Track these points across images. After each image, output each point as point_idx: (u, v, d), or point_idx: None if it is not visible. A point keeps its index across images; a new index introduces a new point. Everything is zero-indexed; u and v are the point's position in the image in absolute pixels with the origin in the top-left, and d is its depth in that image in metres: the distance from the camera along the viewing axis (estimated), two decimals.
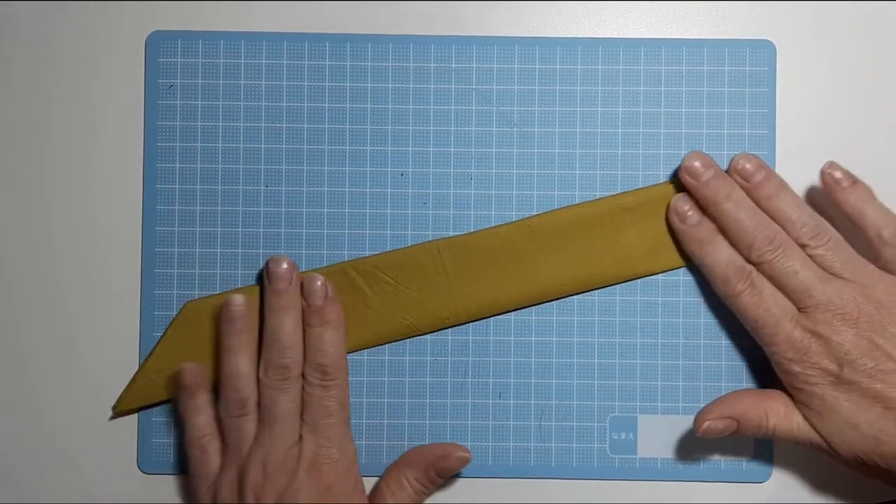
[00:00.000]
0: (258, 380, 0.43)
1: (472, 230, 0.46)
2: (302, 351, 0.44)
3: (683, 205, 0.45)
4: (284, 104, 0.46)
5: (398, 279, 0.45)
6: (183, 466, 0.46)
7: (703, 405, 0.46)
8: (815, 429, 0.42)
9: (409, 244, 0.46)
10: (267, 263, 0.45)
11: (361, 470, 0.46)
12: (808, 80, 0.47)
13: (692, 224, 0.44)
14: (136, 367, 0.46)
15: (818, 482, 0.46)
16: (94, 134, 0.47)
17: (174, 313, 0.46)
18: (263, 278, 0.45)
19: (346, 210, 0.46)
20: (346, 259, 0.46)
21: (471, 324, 0.46)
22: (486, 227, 0.46)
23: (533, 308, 0.46)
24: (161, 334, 0.46)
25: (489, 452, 0.46)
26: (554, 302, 0.46)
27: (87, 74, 0.47)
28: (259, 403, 0.43)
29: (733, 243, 0.43)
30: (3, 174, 0.47)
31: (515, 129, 0.46)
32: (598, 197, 0.46)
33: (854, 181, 0.44)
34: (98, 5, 0.47)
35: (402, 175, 0.46)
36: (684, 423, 0.46)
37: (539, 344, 0.46)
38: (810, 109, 0.46)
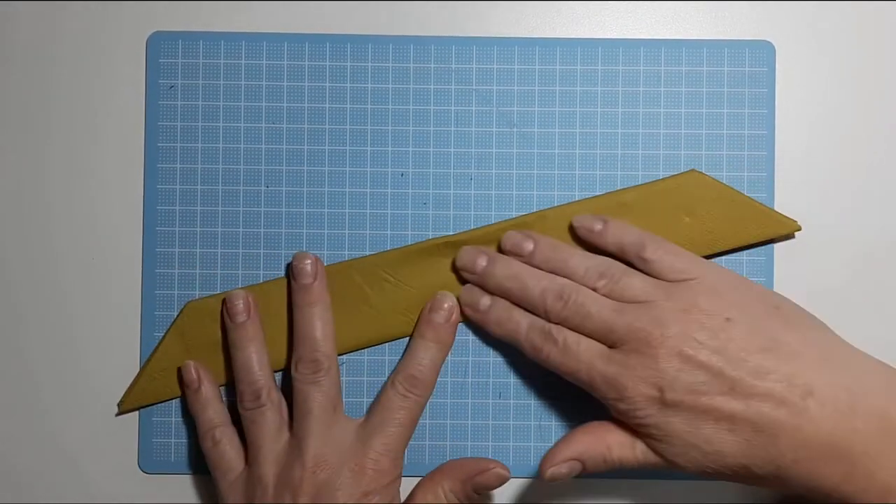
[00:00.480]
0: (291, 376, 0.44)
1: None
2: (333, 345, 0.44)
3: (471, 296, 0.45)
4: (285, 105, 0.46)
5: (398, 277, 0.45)
6: (184, 465, 0.46)
7: None
8: (659, 455, 0.40)
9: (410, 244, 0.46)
10: (292, 260, 0.45)
11: None
12: (807, 80, 0.47)
13: (485, 309, 0.44)
14: (137, 367, 0.46)
15: None
16: (95, 134, 0.47)
17: (175, 313, 0.46)
18: (288, 274, 0.45)
19: (347, 210, 0.46)
20: (345, 258, 0.46)
21: (471, 323, 0.46)
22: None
23: None
24: (161, 334, 0.46)
25: (489, 452, 0.46)
26: None
27: (88, 75, 0.47)
28: (292, 399, 0.44)
29: (531, 311, 0.43)
30: (3, 174, 0.47)
31: (515, 130, 0.46)
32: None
33: (605, 221, 0.44)
34: (98, 5, 0.47)
35: (402, 175, 0.46)
36: None
37: None
38: (810, 110, 0.47)
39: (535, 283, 0.43)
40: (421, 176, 0.46)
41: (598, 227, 0.44)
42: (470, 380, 0.46)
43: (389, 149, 0.46)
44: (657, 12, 0.47)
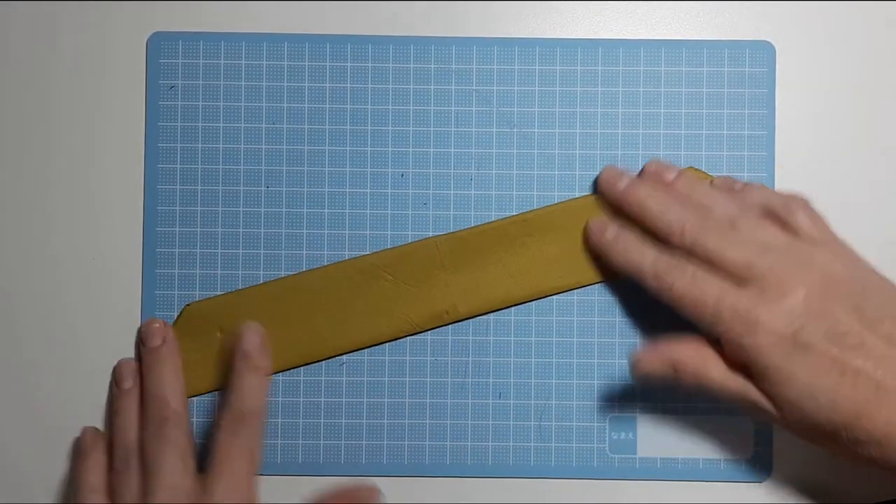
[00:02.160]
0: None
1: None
2: (184, 400, 0.44)
3: (599, 225, 0.45)
4: (285, 105, 0.46)
5: (397, 276, 0.45)
6: None
7: (702, 405, 0.46)
8: (767, 397, 0.40)
9: None
10: (140, 326, 0.46)
11: (361, 470, 0.46)
12: (807, 80, 0.47)
13: (612, 238, 0.44)
14: None
15: (818, 482, 0.46)
16: (95, 135, 0.47)
17: (175, 313, 0.46)
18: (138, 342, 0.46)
19: (347, 210, 0.46)
20: (346, 258, 0.46)
21: (471, 324, 0.46)
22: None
23: (533, 308, 0.46)
24: None
25: (489, 452, 0.46)
26: (554, 302, 0.46)
27: (88, 75, 0.47)
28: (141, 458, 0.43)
29: (663, 237, 0.43)
30: (3, 174, 0.47)
31: (515, 130, 0.46)
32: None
33: (745, 183, 0.44)
34: (99, 6, 0.47)
35: (402, 176, 0.46)
36: (684, 422, 0.46)
37: (539, 344, 0.46)
38: (810, 110, 0.47)
39: (676, 206, 0.43)
40: (421, 176, 0.46)
41: (739, 186, 0.44)
42: (470, 380, 0.46)
43: (389, 149, 0.46)
44: (657, 12, 0.47)
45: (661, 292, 0.42)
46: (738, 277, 0.41)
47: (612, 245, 0.44)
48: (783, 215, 0.42)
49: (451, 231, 0.46)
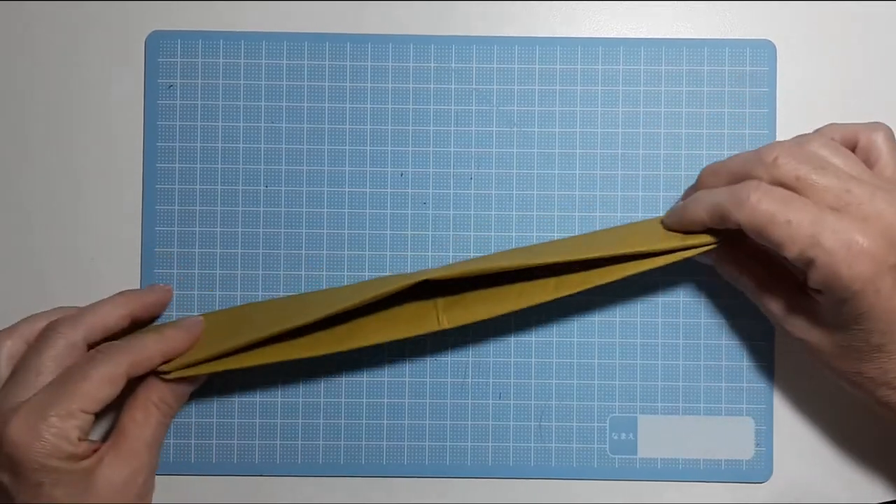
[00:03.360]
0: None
1: (472, 237, 0.46)
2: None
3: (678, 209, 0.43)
4: (284, 104, 0.46)
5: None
6: (184, 466, 0.46)
7: (703, 405, 0.46)
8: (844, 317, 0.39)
9: (409, 244, 0.46)
10: None
11: (361, 470, 0.46)
12: (808, 80, 0.47)
13: (688, 197, 0.42)
14: None
15: (818, 482, 0.46)
16: (94, 134, 0.47)
17: (174, 314, 0.46)
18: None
19: (346, 210, 0.46)
20: (345, 258, 0.46)
21: (471, 324, 0.46)
22: (488, 253, 0.45)
23: (533, 309, 0.46)
24: None
25: (489, 453, 0.46)
26: (554, 303, 0.46)
27: (87, 74, 0.47)
28: None
29: (750, 168, 0.40)
30: (2, 174, 0.47)
31: (515, 129, 0.46)
32: (597, 196, 0.46)
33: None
34: (98, 5, 0.47)
35: (401, 175, 0.46)
36: (684, 423, 0.46)
37: (539, 344, 0.46)
38: (810, 109, 0.46)
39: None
40: (420, 175, 0.46)
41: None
42: (470, 380, 0.46)
43: (389, 148, 0.46)
44: (657, 12, 0.47)
45: (746, 216, 0.39)
46: (831, 204, 0.38)
47: (689, 202, 0.41)
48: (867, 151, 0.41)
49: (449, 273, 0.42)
